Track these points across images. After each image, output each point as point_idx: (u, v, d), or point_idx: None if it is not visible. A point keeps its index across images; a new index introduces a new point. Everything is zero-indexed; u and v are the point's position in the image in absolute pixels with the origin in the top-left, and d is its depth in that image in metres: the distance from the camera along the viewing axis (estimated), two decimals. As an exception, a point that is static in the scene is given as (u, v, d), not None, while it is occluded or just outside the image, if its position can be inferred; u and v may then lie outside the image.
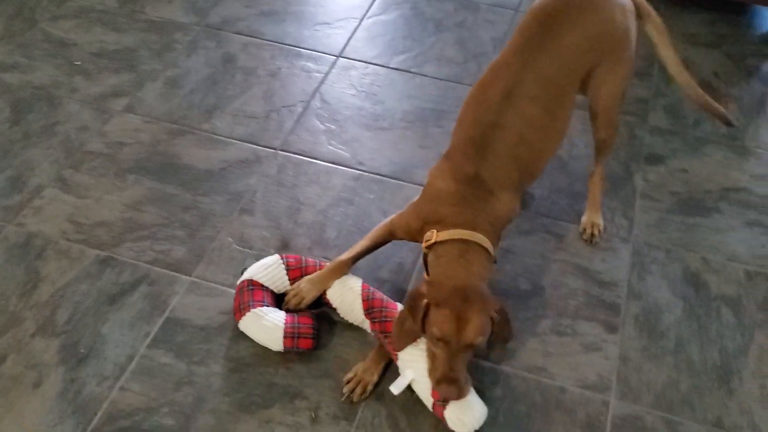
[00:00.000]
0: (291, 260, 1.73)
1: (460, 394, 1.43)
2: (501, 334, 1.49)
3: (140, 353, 1.67)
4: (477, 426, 1.51)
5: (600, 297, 1.85)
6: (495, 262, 1.58)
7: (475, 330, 1.40)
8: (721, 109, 2.01)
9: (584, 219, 2.00)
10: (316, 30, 2.62)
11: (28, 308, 1.74)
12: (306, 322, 1.64)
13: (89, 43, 2.50)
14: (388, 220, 1.75)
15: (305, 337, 1.63)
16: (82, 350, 1.67)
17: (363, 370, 1.62)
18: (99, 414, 1.56)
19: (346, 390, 1.60)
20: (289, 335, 1.62)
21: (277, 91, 2.37)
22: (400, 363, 1.57)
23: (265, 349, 1.68)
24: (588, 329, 1.78)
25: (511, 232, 1.98)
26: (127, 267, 1.84)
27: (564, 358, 1.72)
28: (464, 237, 1.51)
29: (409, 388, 1.57)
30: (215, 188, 2.05)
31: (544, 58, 1.65)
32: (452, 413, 1.50)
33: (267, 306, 1.66)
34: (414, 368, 1.54)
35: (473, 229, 1.52)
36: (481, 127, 1.61)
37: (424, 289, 1.46)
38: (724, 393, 1.68)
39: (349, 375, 1.62)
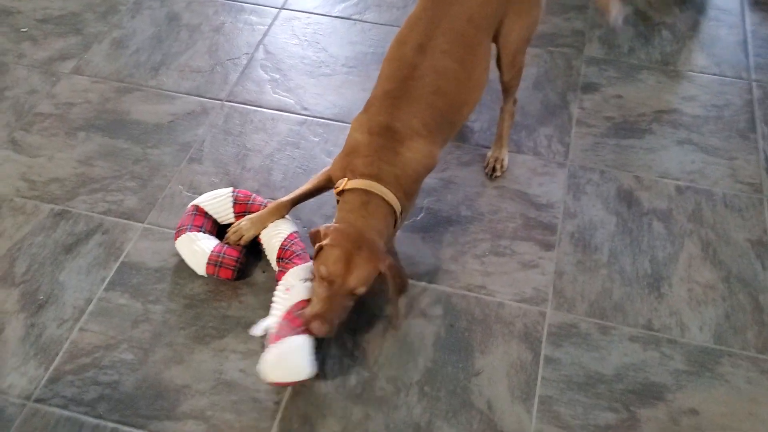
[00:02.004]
0: (240, 195, 1.82)
1: (328, 333, 1.52)
2: (393, 291, 1.56)
3: (97, 296, 1.75)
4: (281, 379, 1.51)
5: (537, 218, 1.94)
6: (401, 214, 1.63)
7: (359, 277, 1.50)
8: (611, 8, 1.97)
9: (489, 154, 2.05)
10: (260, -16, 2.66)
11: (-14, 262, 1.81)
12: (231, 254, 1.72)
13: (34, 10, 2.53)
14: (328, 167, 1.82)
15: (226, 268, 1.71)
16: (41, 297, 1.74)
17: None
18: (60, 354, 1.64)
19: None
20: (212, 263, 1.71)
21: (221, 45, 2.42)
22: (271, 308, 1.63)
23: (218, 286, 1.76)
24: (525, 248, 1.87)
25: (451, 164, 2.06)
26: (81, 218, 1.90)
27: (502, 276, 1.81)
28: (367, 188, 1.58)
29: None
30: (164, 140, 2.11)
31: (453, 11, 1.70)
32: (266, 357, 1.52)
33: (203, 232, 1.74)
34: (273, 313, 1.60)
35: (378, 181, 1.58)
36: (397, 81, 1.67)
37: (322, 230, 1.56)
38: (654, 298, 1.78)
39: None
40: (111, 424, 1.53)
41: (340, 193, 1.62)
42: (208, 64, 2.35)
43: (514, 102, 2.01)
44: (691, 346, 1.69)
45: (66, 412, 1.55)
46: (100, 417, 1.54)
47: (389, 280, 1.54)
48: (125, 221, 1.90)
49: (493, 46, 1.84)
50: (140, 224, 1.89)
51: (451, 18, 1.70)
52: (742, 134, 2.17)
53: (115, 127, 2.14)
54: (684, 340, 1.70)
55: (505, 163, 2.04)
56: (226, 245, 1.75)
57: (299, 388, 1.59)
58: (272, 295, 1.72)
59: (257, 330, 1.60)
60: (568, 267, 1.84)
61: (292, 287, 1.61)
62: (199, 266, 1.72)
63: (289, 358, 1.51)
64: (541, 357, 1.66)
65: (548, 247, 1.88)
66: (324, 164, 2.04)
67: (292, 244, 1.72)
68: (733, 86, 2.32)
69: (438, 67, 1.67)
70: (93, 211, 1.92)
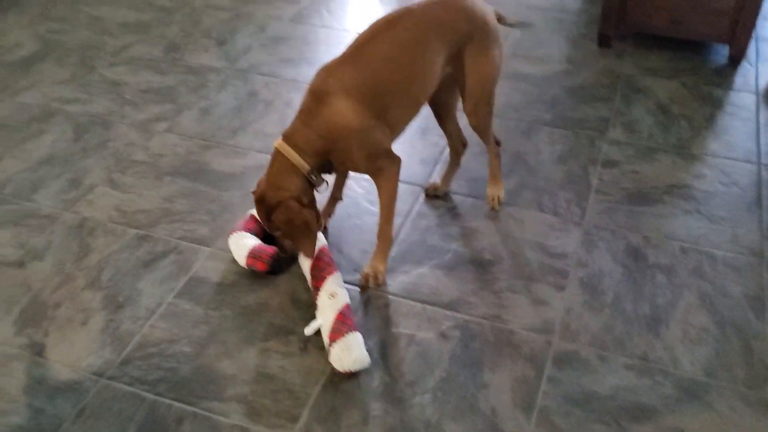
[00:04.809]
0: None
1: (281, 255, 2.02)
2: (287, 231, 1.89)
3: (167, 301, 2.06)
4: (351, 367, 1.80)
5: (551, 265, 2.19)
6: (314, 172, 1.90)
7: (273, 225, 1.91)
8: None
9: (488, 191, 2.39)
10: (327, 70, 3.10)
11: (79, 270, 2.16)
12: (269, 251, 2.06)
13: (138, 83, 3.02)
14: None
15: (261, 261, 2.06)
16: (121, 299, 2.07)
17: None
18: (132, 343, 1.95)
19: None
20: (251, 256, 2.07)
21: (290, 116, 2.83)
22: (317, 312, 1.93)
23: (268, 298, 2.06)
24: (538, 288, 2.12)
25: (478, 216, 2.35)
26: (160, 241, 2.26)
27: (516, 309, 2.05)
28: (278, 148, 1.89)
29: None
30: (235, 186, 2.48)
31: (423, 10, 1.94)
32: (335, 351, 1.81)
33: (251, 234, 2.11)
34: (323, 316, 1.90)
35: (289, 141, 1.88)
36: (354, 47, 1.89)
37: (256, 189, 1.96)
38: (652, 336, 1.98)
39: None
40: (167, 401, 1.81)
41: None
42: (278, 129, 2.75)
43: (498, 143, 2.32)
44: (681, 376, 1.87)
45: (131, 389, 1.84)
46: (159, 394, 1.82)
47: (276, 216, 1.88)
48: (196, 246, 2.24)
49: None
50: (208, 248, 2.23)
51: (423, 11, 1.94)
52: (747, 208, 2.39)
53: (196, 174, 2.53)
54: (676, 372, 1.88)
55: (502, 197, 2.37)
56: (266, 245, 2.10)
57: (329, 383, 1.84)
58: (314, 309, 2.01)
59: (309, 329, 1.90)
60: (575, 306, 2.06)
61: (336, 293, 1.90)
62: (241, 258, 2.08)
63: (353, 350, 1.81)
64: (544, 375, 1.87)
65: (559, 288, 2.11)
66: (367, 211, 2.36)
67: (322, 256, 2.02)
68: (743, 169, 2.57)
69: (398, 39, 1.88)
70: (171, 237, 2.27)
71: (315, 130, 1.86)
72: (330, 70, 1.87)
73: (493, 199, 2.38)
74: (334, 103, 1.83)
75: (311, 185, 1.94)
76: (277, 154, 1.91)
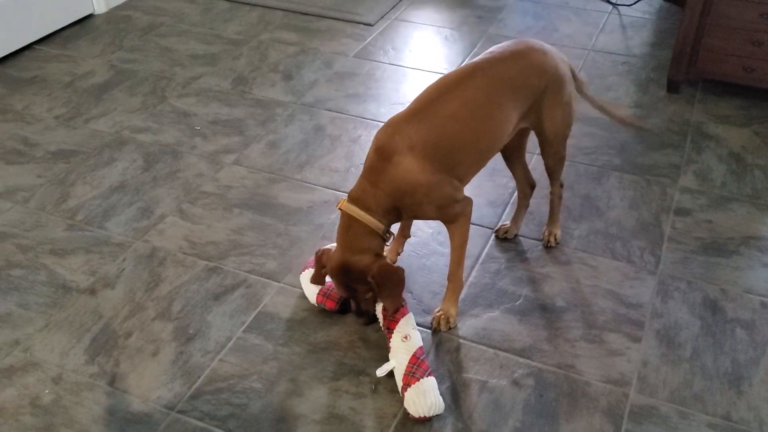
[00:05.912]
0: None
1: (365, 323, 2.02)
2: (385, 290, 1.87)
3: (237, 336, 2.05)
4: (426, 413, 1.77)
5: (626, 315, 2.13)
6: (388, 233, 1.89)
7: (360, 294, 1.91)
8: (636, 122, 2.33)
9: (544, 229, 2.39)
10: (392, 107, 3.10)
11: (150, 300, 2.17)
12: None
13: (207, 114, 3.06)
14: None
15: (332, 299, 2.07)
16: (191, 331, 2.07)
17: None
18: (201, 377, 1.94)
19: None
20: (321, 294, 2.08)
21: (356, 152, 2.83)
22: (390, 353, 1.90)
23: (338, 336, 2.04)
24: (614, 339, 2.06)
25: (549, 261, 2.31)
26: (229, 274, 2.26)
27: (591, 360, 2.00)
28: (348, 212, 1.85)
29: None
30: (303, 221, 2.48)
31: (497, 69, 1.92)
32: (410, 396, 1.78)
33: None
34: (396, 358, 1.87)
35: (359, 203, 1.84)
36: (422, 102, 1.86)
37: (324, 256, 1.93)
38: (734, 394, 1.91)
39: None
40: (238, 438, 1.79)
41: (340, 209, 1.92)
42: (344, 165, 2.75)
43: (561, 185, 2.31)
44: (768, 440, 1.80)
45: (201, 424, 1.82)
46: (229, 431, 1.80)
47: (375, 286, 1.86)
48: (265, 280, 2.24)
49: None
50: (277, 283, 2.22)
51: (495, 70, 1.92)
52: (829, 264, 2.32)
53: (264, 207, 2.54)
54: (762, 434, 1.81)
55: (558, 236, 2.37)
56: None
57: (401, 427, 1.81)
58: (385, 349, 1.98)
59: (382, 371, 1.87)
60: (652, 358, 2.00)
61: (410, 335, 1.88)
62: (312, 295, 2.09)
63: (428, 395, 1.78)
64: (622, 430, 1.81)
65: (635, 339, 2.05)
66: (436, 252, 2.34)
67: None
68: (822, 222, 2.49)
69: (468, 98, 1.85)
70: (240, 270, 2.27)
71: (383, 190, 1.83)
72: (396, 127, 1.83)
73: (550, 234, 2.37)
74: (400, 161, 1.80)
75: (384, 240, 1.94)
76: (351, 220, 1.86)
